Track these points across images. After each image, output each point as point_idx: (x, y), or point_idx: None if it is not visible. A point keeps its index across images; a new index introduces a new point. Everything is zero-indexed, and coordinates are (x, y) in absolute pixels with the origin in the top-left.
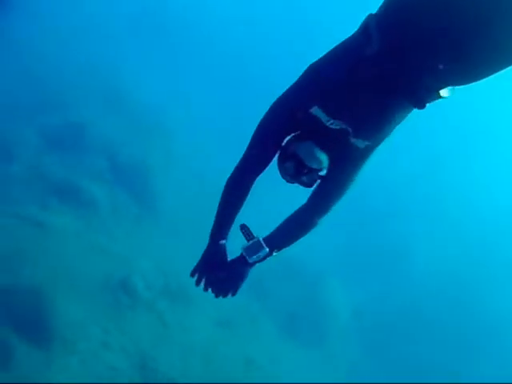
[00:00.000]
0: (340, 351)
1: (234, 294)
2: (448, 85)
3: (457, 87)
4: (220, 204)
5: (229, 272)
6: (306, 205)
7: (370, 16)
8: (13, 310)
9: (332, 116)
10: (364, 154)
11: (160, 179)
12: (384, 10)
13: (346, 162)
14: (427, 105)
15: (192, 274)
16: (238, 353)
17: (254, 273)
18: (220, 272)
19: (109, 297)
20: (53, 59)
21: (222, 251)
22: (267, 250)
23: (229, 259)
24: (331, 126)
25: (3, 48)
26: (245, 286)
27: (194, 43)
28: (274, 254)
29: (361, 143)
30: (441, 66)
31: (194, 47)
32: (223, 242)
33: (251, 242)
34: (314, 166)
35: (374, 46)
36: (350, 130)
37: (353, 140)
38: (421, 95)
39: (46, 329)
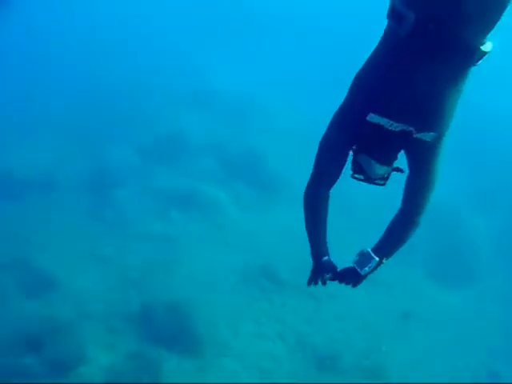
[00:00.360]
0: (491, 285)
1: (354, 286)
2: (483, 36)
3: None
4: (308, 225)
5: (343, 279)
6: (402, 209)
7: (392, 1)
8: (157, 326)
9: (391, 117)
10: (434, 146)
11: (274, 162)
12: None
13: (420, 158)
14: (478, 63)
15: (308, 284)
16: (394, 308)
17: None
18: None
19: (253, 288)
20: (132, 72)
21: (328, 266)
22: (377, 259)
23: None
24: (391, 129)
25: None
26: None
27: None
28: (384, 261)
29: (427, 136)
30: (472, 20)
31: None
32: (326, 258)
33: (360, 255)
34: (378, 177)
35: (409, 22)
36: (411, 128)
37: (418, 136)
38: (468, 53)
39: (194, 337)
